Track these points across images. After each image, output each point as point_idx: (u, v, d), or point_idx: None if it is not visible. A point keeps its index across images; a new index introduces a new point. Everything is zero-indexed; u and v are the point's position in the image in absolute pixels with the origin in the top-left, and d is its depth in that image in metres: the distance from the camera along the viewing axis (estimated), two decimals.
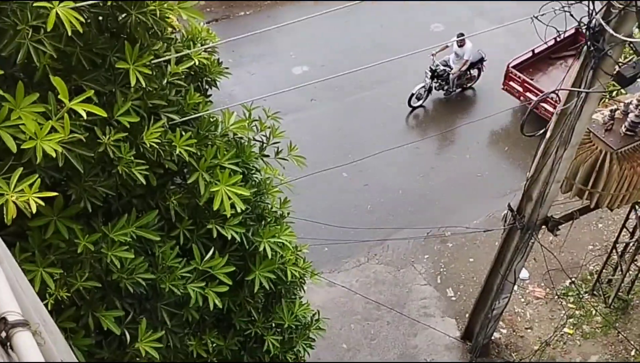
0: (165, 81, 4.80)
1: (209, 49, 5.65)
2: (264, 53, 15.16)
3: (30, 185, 3.56)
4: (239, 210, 4.94)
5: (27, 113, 3.59)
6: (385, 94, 13.96)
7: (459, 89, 14.48)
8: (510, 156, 13.43)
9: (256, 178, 6.04)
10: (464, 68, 13.90)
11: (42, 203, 3.60)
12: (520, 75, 13.54)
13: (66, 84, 3.72)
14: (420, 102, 14.09)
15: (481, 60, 14.26)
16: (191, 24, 5.58)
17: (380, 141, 13.84)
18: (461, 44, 13.56)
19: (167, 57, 4.73)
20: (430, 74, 13.79)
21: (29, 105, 3.62)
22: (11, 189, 3.52)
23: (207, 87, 5.75)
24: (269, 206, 6.17)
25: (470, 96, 14.70)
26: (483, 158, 13.50)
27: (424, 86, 13.85)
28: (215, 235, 5.12)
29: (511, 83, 13.79)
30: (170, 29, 5.06)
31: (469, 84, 14.56)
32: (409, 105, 13.94)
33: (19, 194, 3.51)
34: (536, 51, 13.81)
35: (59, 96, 3.70)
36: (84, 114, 3.75)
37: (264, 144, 6.26)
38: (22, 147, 3.58)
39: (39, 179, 3.61)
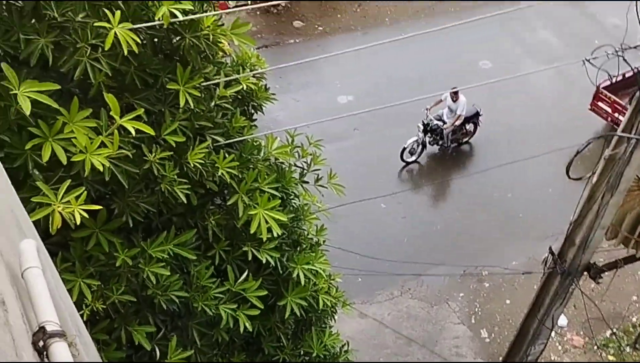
0: (213, 104, 4.91)
1: (257, 75, 5.76)
2: (311, 81, 15.34)
3: (77, 197, 3.67)
4: (275, 235, 4.96)
5: (80, 127, 3.73)
6: None
7: (454, 144, 13.99)
8: (553, 198, 13.13)
9: (294, 203, 6.07)
10: (457, 123, 13.41)
11: (86, 215, 3.70)
12: (611, 96, 13.57)
13: (118, 102, 3.85)
14: (414, 157, 13.58)
15: (477, 114, 13.77)
16: (242, 49, 5.72)
17: (421, 174, 13.79)
18: (455, 98, 13.14)
19: (216, 81, 4.85)
20: (422, 128, 13.36)
21: (81, 120, 3.75)
22: (58, 200, 3.63)
23: (252, 111, 5.85)
24: (305, 233, 6.18)
25: (466, 150, 14.25)
26: (525, 199, 13.24)
27: (416, 140, 13.41)
28: (250, 257, 5.15)
29: (599, 104, 13.95)
30: (221, 53, 5.19)
31: (464, 139, 14.07)
32: (402, 159, 13.47)
33: (65, 205, 3.62)
34: (626, 76, 13.68)
35: (111, 113, 3.82)
36: (133, 132, 3.86)
37: (305, 171, 6.30)
38: (71, 160, 3.70)
39: (85, 192, 3.71)
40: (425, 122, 13.36)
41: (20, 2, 3.87)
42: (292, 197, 5.98)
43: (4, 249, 1.59)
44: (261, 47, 15.93)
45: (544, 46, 16.29)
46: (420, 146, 13.55)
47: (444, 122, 13.47)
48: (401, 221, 12.80)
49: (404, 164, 13.58)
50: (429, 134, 13.54)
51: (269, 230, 4.90)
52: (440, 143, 13.72)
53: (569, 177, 6.42)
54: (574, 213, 7.33)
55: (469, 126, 13.94)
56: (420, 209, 12.95)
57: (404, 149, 13.40)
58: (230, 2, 4.62)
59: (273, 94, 5.99)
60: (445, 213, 12.97)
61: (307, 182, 6.33)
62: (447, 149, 13.93)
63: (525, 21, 16.72)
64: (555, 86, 14.96)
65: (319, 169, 6.40)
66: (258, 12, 17.07)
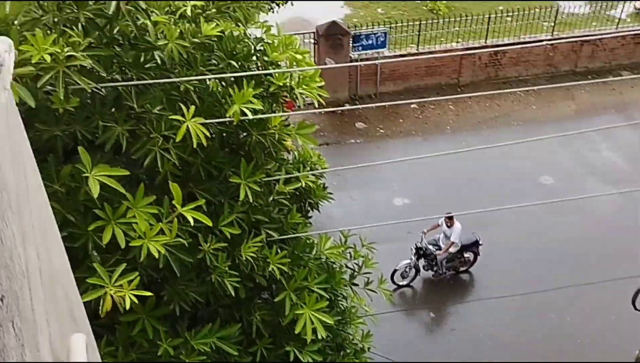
0: (271, 198, 5.00)
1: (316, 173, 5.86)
2: (368, 181, 15.48)
3: (129, 281, 3.71)
4: (319, 337, 4.84)
5: (142, 213, 3.84)
6: (484, 238, 13.58)
7: (452, 272, 13.25)
8: (616, 327, 12.35)
9: (342, 305, 5.96)
10: (451, 250, 12.71)
11: (136, 301, 3.73)
12: None
13: (182, 190, 3.97)
14: (406, 281, 12.87)
15: (476, 243, 13.03)
16: (304, 147, 5.87)
17: (475, 285, 13.35)
18: (449, 224, 12.57)
19: (277, 178, 4.95)
20: (415, 251, 12.72)
21: (144, 206, 3.87)
22: (111, 283, 3.68)
23: (309, 208, 5.91)
24: (350, 337, 6.01)
25: (465, 279, 13.42)
26: (584, 324, 12.49)
27: (409, 264, 12.76)
28: (292, 358, 5.01)
29: None
30: (283, 150, 5.34)
31: (462, 268, 13.31)
32: (392, 281, 12.52)
33: (117, 289, 3.66)
34: None
35: (173, 201, 3.93)
36: (192, 221, 3.94)
37: (355, 273, 6.23)
38: (130, 244, 3.78)
39: (138, 278, 3.76)
40: (419, 245, 12.75)
41: (103, 91, 4.14)
42: (340, 298, 5.88)
43: (54, 338, 1.60)
44: (322, 144, 16.32)
45: (608, 167, 15.99)
46: (414, 270, 12.90)
47: (440, 248, 12.85)
48: (450, 334, 12.27)
49: (395, 286, 12.76)
50: (422, 259, 12.93)
51: (314, 331, 4.80)
52: (435, 269, 13.04)
53: (635, 308, 6.07)
54: (638, 350, 6.87)
55: (468, 255, 13.20)
56: (472, 323, 12.41)
57: (395, 271, 12.66)
58: (297, 102, 4.88)
59: (330, 192, 6.05)
60: (499, 330, 12.37)
61: (357, 285, 6.23)
62: (443, 276, 13.16)
63: (588, 141, 16.58)
64: (619, 208, 14.48)
65: (369, 273, 6.30)
66: (322, 111, 17.67)
